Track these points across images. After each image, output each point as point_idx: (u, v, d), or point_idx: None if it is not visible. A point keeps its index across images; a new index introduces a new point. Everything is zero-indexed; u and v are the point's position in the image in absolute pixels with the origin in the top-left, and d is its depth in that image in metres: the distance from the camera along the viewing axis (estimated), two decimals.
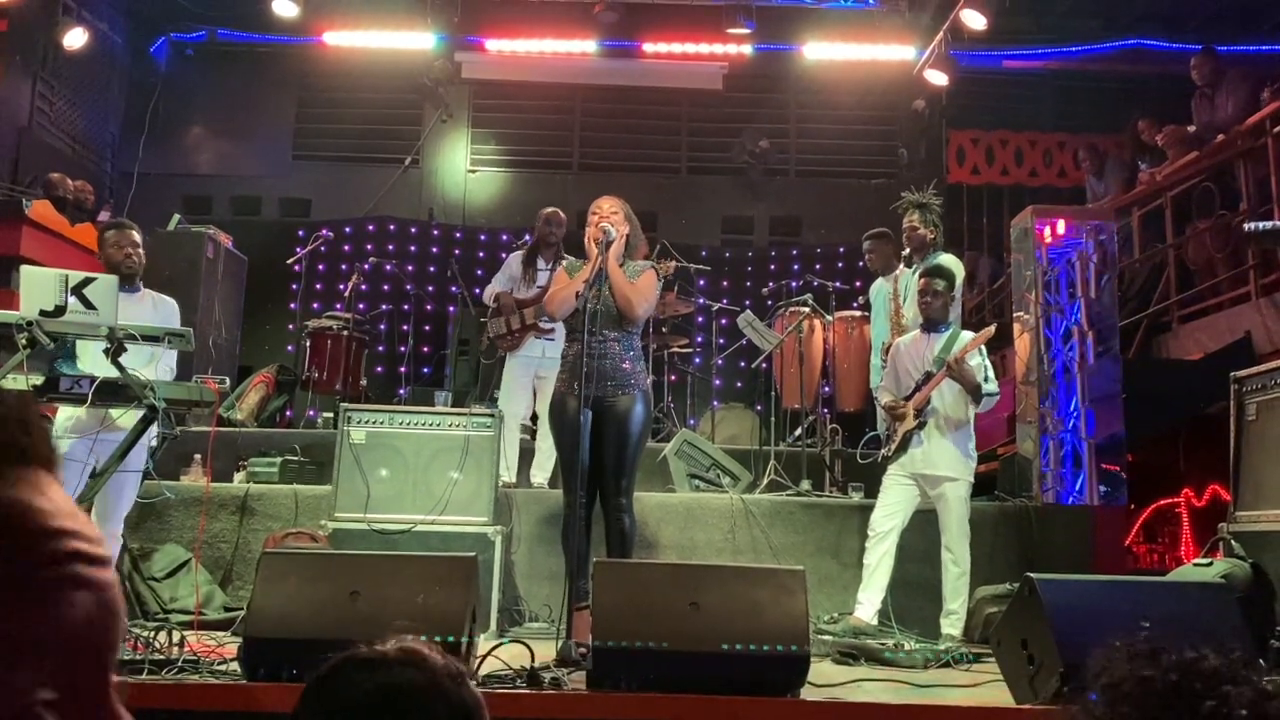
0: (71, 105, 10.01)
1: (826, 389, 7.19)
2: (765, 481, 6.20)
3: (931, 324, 5.16)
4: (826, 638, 4.67)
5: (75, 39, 9.41)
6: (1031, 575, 3.35)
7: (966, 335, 5.08)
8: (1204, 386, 6.13)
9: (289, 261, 8.36)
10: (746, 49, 10.60)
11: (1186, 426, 7.14)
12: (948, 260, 5.73)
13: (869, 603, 4.89)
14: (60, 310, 3.69)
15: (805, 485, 6.15)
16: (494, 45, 10.77)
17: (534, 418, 6.44)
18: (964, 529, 4.93)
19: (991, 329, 5.16)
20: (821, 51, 10.45)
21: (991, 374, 5.04)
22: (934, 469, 4.98)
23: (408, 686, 0.99)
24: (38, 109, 9.51)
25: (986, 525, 5.48)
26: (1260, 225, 5.99)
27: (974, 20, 8.81)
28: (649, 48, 10.76)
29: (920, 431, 5.01)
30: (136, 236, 4.81)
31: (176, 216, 7.83)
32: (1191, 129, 8.00)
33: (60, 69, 9.75)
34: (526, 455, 6.22)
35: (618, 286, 4.33)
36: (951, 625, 4.86)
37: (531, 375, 6.27)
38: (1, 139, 8.91)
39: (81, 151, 10.16)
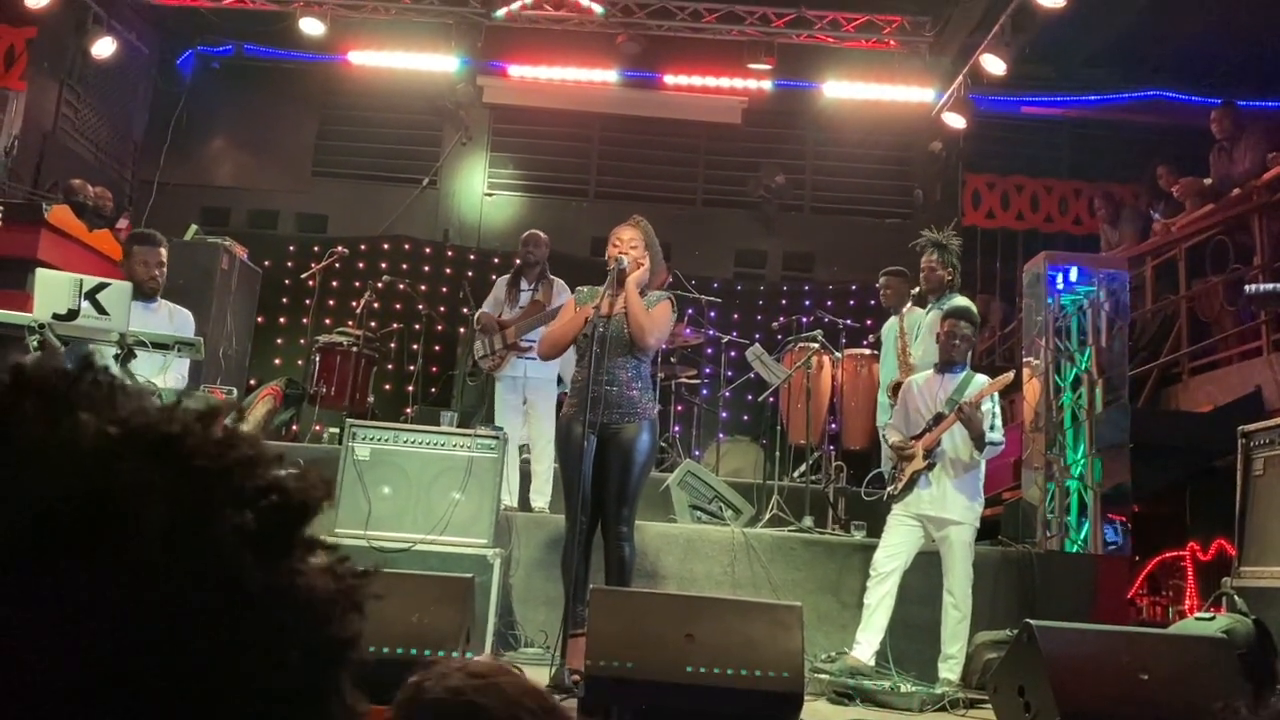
0: (96, 113, 10.12)
1: (833, 426, 7.17)
2: (768, 516, 6.17)
3: (947, 365, 5.14)
4: (823, 676, 4.63)
5: (104, 48, 9.53)
6: (1031, 622, 3.33)
7: (981, 379, 5.05)
8: (1212, 439, 6.10)
9: (303, 276, 8.41)
10: (766, 85, 10.68)
11: (1193, 479, 7.09)
12: (964, 303, 5.73)
13: (867, 643, 4.85)
14: (73, 314, 3.72)
15: (808, 521, 6.12)
16: (516, 71, 10.86)
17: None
18: (967, 573, 4.89)
19: (1009, 375, 5.14)
20: (840, 90, 10.51)
21: (999, 422, 5.01)
22: (940, 511, 4.95)
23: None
24: (63, 115, 9.62)
25: (989, 570, 5.44)
26: (1260, 287, 5.98)
27: (994, 65, 8.86)
28: (669, 80, 10.85)
29: (928, 473, 4.98)
30: (163, 254, 4.85)
31: (194, 226, 7.89)
32: (1208, 181, 8.01)
33: (87, 77, 9.87)
34: (525, 478, 6.23)
35: (634, 315, 4.33)
36: (949, 669, 4.82)
37: (520, 396, 6.31)
38: (26, 143, 9.00)
39: (103, 158, 10.26)
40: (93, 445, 0.58)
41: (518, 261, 6.68)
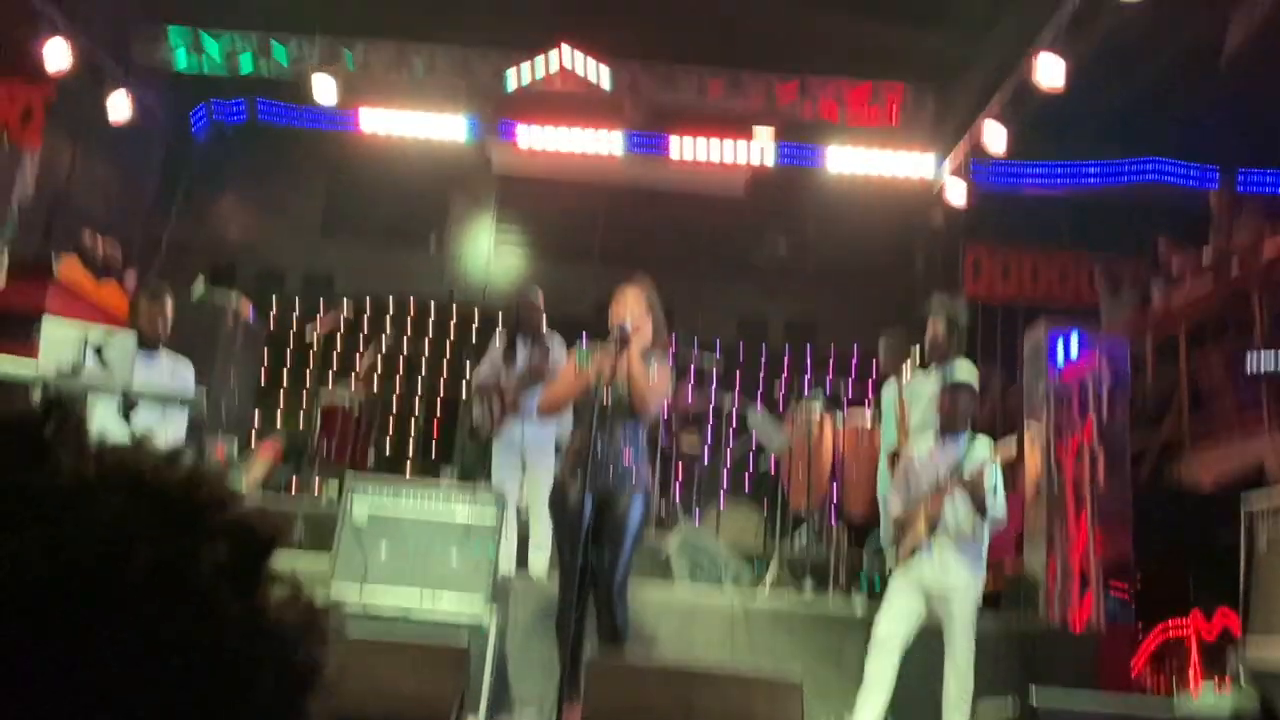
0: (109, 170, 10.26)
1: (835, 492, 7.14)
2: (768, 582, 6.12)
3: (950, 432, 5.11)
4: None
5: (119, 108, 9.69)
6: (1033, 693, 3.29)
7: (983, 445, 5.00)
8: (1215, 512, 6.07)
9: (308, 334, 8.45)
10: (769, 156, 10.83)
11: (1197, 553, 7.04)
12: (966, 368, 5.73)
13: (868, 715, 4.77)
14: (77, 368, 3.74)
15: (808, 589, 6.07)
16: (524, 136, 11.03)
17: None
18: (969, 644, 4.83)
19: (1012, 450, 5.11)
20: (842, 160, 10.66)
21: (1001, 492, 4.95)
22: (942, 581, 4.90)
23: None
24: (77, 173, 9.75)
25: (991, 641, 5.37)
26: (1261, 364, 6.00)
27: (994, 141, 8.99)
28: (675, 148, 11.01)
29: (930, 543, 4.94)
30: (169, 306, 4.90)
31: (201, 279, 7.95)
32: (1207, 256, 8.07)
33: (102, 135, 10.02)
34: (523, 541, 6.18)
35: (636, 384, 4.30)
36: None
37: (517, 458, 6.27)
38: (39, 199, 9.11)
39: (114, 215, 10.36)
40: (72, 486, 0.60)
41: (513, 322, 6.68)
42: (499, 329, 6.69)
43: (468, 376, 8.75)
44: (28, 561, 0.57)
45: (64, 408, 0.64)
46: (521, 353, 6.37)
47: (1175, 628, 7.14)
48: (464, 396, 9.28)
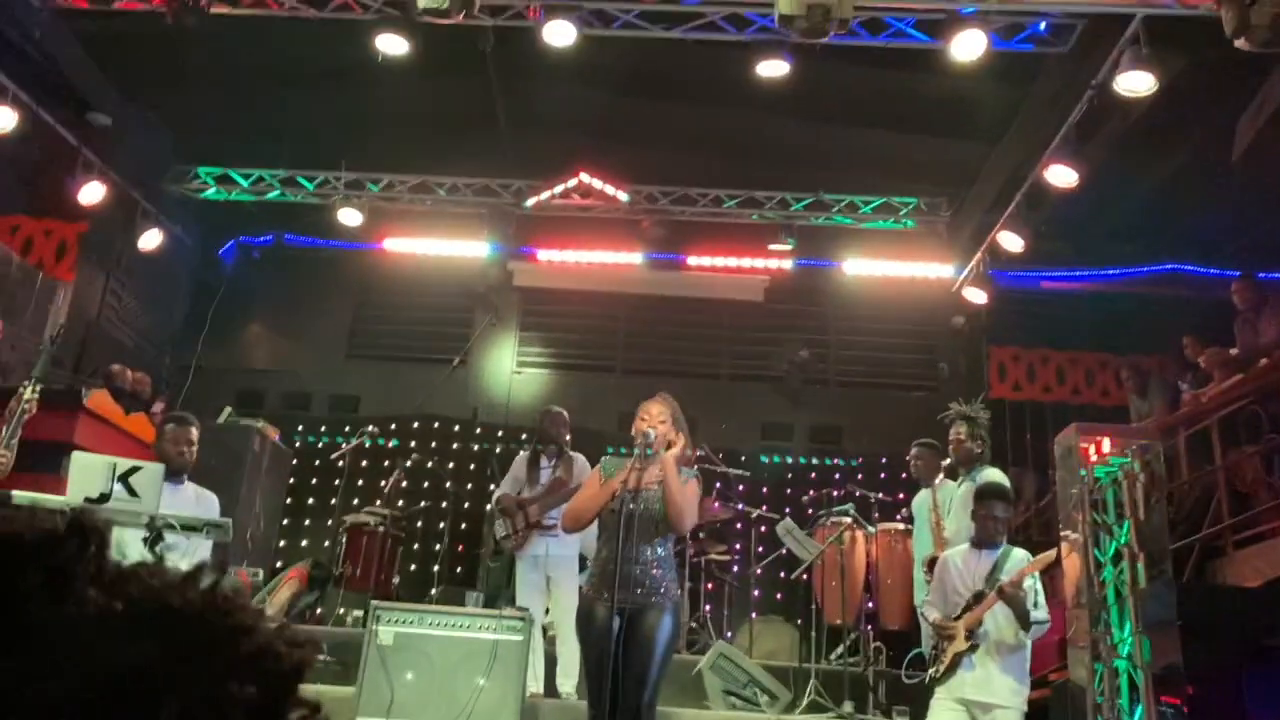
0: (139, 300, 10.48)
1: (870, 604, 6.98)
2: (805, 702, 5.94)
3: (988, 544, 5.01)
4: None
5: (150, 241, 9.98)
6: None
7: (1020, 554, 4.92)
8: (1265, 615, 5.88)
9: (333, 456, 8.47)
10: (787, 264, 10.96)
11: (1249, 657, 6.79)
12: (995, 475, 5.66)
13: None
14: (105, 497, 3.74)
15: (848, 707, 5.88)
16: (545, 255, 11.24)
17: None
18: None
19: (1052, 554, 5.01)
20: (861, 268, 10.77)
21: (1042, 599, 4.85)
22: (985, 695, 4.73)
23: None
24: (107, 303, 9.98)
25: None
26: None
27: (1011, 243, 9.06)
28: (693, 261, 11.19)
29: (971, 654, 4.79)
30: (194, 434, 4.94)
31: (228, 409, 8.03)
32: (1234, 352, 8.02)
33: (132, 267, 10.28)
34: (550, 660, 6.06)
35: (672, 496, 4.21)
36: None
37: (542, 575, 6.20)
38: (70, 331, 9.28)
39: (143, 344, 10.56)
40: (99, 622, 0.57)
41: (537, 439, 6.69)
42: (523, 451, 6.69)
43: (491, 495, 8.71)
44: (55, 707, 0.54)
45: (85, 530, 0.63)
46: (545, 468, 6.37)
47: None
48: (487, 514, 9.22)
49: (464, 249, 10.87)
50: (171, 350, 11.14)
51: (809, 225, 10.51)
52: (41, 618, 0.57)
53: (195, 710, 0.57)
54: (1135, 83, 6.95)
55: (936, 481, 6.30)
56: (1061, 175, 8.11)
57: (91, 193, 9.13)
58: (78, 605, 0.58)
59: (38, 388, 4.42)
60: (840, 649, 6.60)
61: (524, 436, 10.64)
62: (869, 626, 6.77)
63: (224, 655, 0.60)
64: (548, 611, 6.35)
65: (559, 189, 10.35)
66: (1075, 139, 7.89)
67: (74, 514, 0.64)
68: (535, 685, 5.64)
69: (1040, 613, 4.74)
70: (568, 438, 6.52)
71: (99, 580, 0.60)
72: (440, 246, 10.97)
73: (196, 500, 4.84)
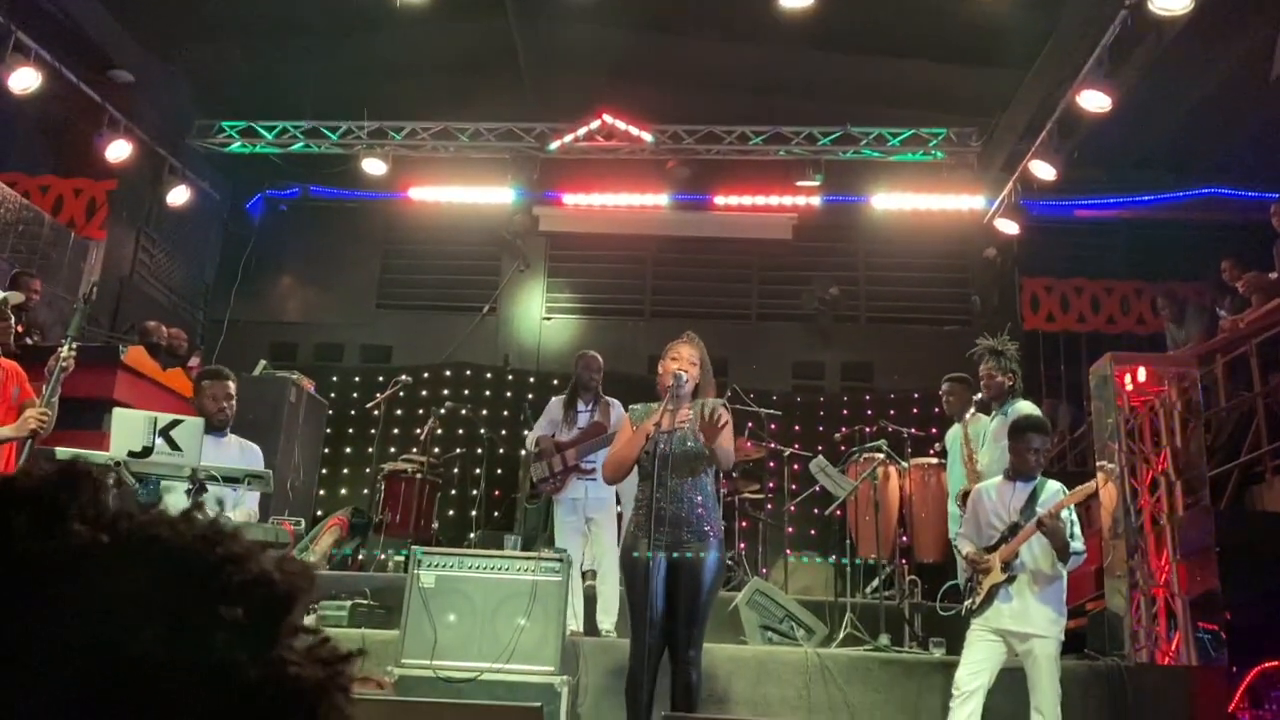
0: (170, 257, 10.57)
1: (904, 538, 7.01)
2: (841, 635, 5.99)
3: (1024, 476, 4.98)
4: None
5: (178, 197, 10.04)
6: None
7: (1055, 486, 4.89)
8: None
9: (368, 406, 8.56)
10: (815, 200, 10.84)
11: None
12: (1027, 408, 5.62)
13: None
14: (147, 451, 3.81)
15: (884, 640, 5.93)
16: (570, 199, 11.19)
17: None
18: (1055, 689, 4.67)
19: (1091, 486, 4.98)
20: (890, 202, 10.63)
21: (1079, 530, 4.83)
22: (1023, 626, 4.75)
23: None
24: (139, 260, 10.07)
25: (1077, 685, 5.20)
26: None
27: (1043, 171, 8.91)
28: (720, 200, 11.08)
29: (1008, 586, 4.81)
30: (232, 388, 4.99)
31: (263, 362, 8.11)
32: (1274, 275, 7.88)
33: (162, 224, 10.36)
34: (590, 601, 6.14)
35: (710, 430, 4.19)
36: None
37: (580, 517, 6.25)
38: (104, 288, 9.40)
39: (177, 300, 10.67)
40: (85, 554, 0.59)
41: (573, 383, 6.71)
42: (556, 395, 6.74)
43: (526, 440, 8.78)
44: (38, 633, 0.56)
45: (79, 475, 0.64)
46: (583, 412, 6.40)
47: (1273, 666, 6.85)
48: (522, 459, 9.31)
49: (489, 195, 10.84)
50: (205, 305, 11.25)
51: (837, 160, 10.37)
52: (26, 551, 0.59)
53: (180, 633, 0.58)
54: (1171, 0, 6.76)
55: (968, 415, 6.28)
56: (1094, 100, 7.94)
57: (118, 150, 9.17)
58: (63, 539, 0.60)
59: (74, 345, 4.48)
60: (875, 583, 6.65)
61: (555, 383, 10.71)
62: (903, 560, 6.80)
63: (211, 581, 0.61)
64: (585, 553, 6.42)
65: (582, 131, 10.26)
66: (1108, 62, 7.70)
67: (66, 462, 0.66)
68: (575, 624, 5.73)
69: (1078, 544, 4.74)
70: (601, 381, 6.56)
71: (87, 518, 0.61)
72: (465, 194, 10.94)
73: (240, 452, 4.91)
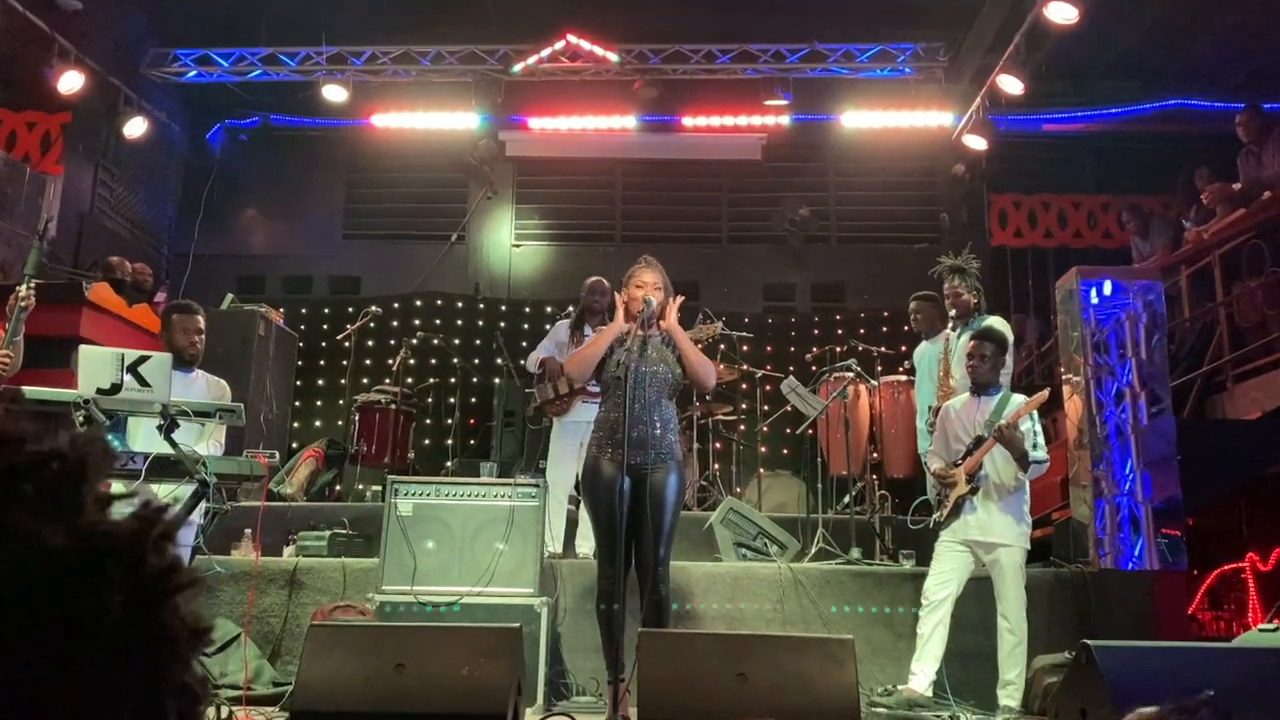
0: (130, 191, 10.37)
1: (874, 454, 7.11)
2: (814, 550, 6.12)
3: (981, 387, 5.09)
4: (880, 710, 4.56)
5: (135, 128, 9.81)
6: (1089, 643, 3.26)
7: (1018, 399, 5.00)
8: (1263, 446, 5.99)
9: (339, 337, 8.53)
10: (784, 120, 10.75)
11: (1247, 488, 6.95)
12: (997, 323, 5.69)
13: (923, 673, 4.77)
14: (116, 388, 3.78)
15: (855, 553, 6.06)
16: (536, 123, 11.03)
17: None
18: (1020, 596, 4.81)
19: (1045, 394, 5.09)
20: (859, 120, 10.56)
21: (1041, 440, 4.94)
22: (988, 535, 4.88)
23: None
24: (99, 195, 9.88)
25: (1043, 592, 5.36)
26: None
27: (1011, 85, 8.86)
28: (688, 121, 10.96)
29: (973, 497, 4.92)
30: (201, 322, 4.95)
31: (230, 296, 8.04)
32: (1237, 186, 7.93)
33: (121, 157, 10.13)
34: (572, 525, 6.21)
35: (689, 360, 4.39)
36: (1009, 696, 4.72)
37: (579, 442, 6.27)
38: (64, 224, 9.23)
39: (139, 235, 10.49)
40: None
41: (579, 308, 6.67)
42: (563, 319, 6.71)
43: (502, 362, 8.78)
44: None
45: None
46: (590, 338, 6.35)
47: (1232, 568, 7.07)
48: (496, 386, 9.33)
49: (454, 121, 10.66)
50: (169, 240, 11.08)
51: (805, 78, 10.26)
52: None
53: None
54: None
55: (942, 334, 6.33)
56: (1061, 11, 7.87)
57: (70, 81, 8.93)
58: None
59: (32, 283, 4.41)
60: (847, 499, 6.77)
61: (527, 310, 10.69)
62: (874, 476, 6.92)
63: (5, 457, 0.64)
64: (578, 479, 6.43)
65: (546, 52, 10.08)
66: None
67: None
68: (553, 546, 5.81)
69: (1039, 453, 4.85)
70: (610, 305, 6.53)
71: None
72: (429, 120, 10.75)
73: (207, 387, 4.89)
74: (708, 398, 7.81)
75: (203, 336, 4.94)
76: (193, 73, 10.39)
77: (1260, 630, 4.27)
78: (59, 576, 0.61)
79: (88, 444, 0.67)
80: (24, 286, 4.38)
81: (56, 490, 0.64)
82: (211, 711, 3.65)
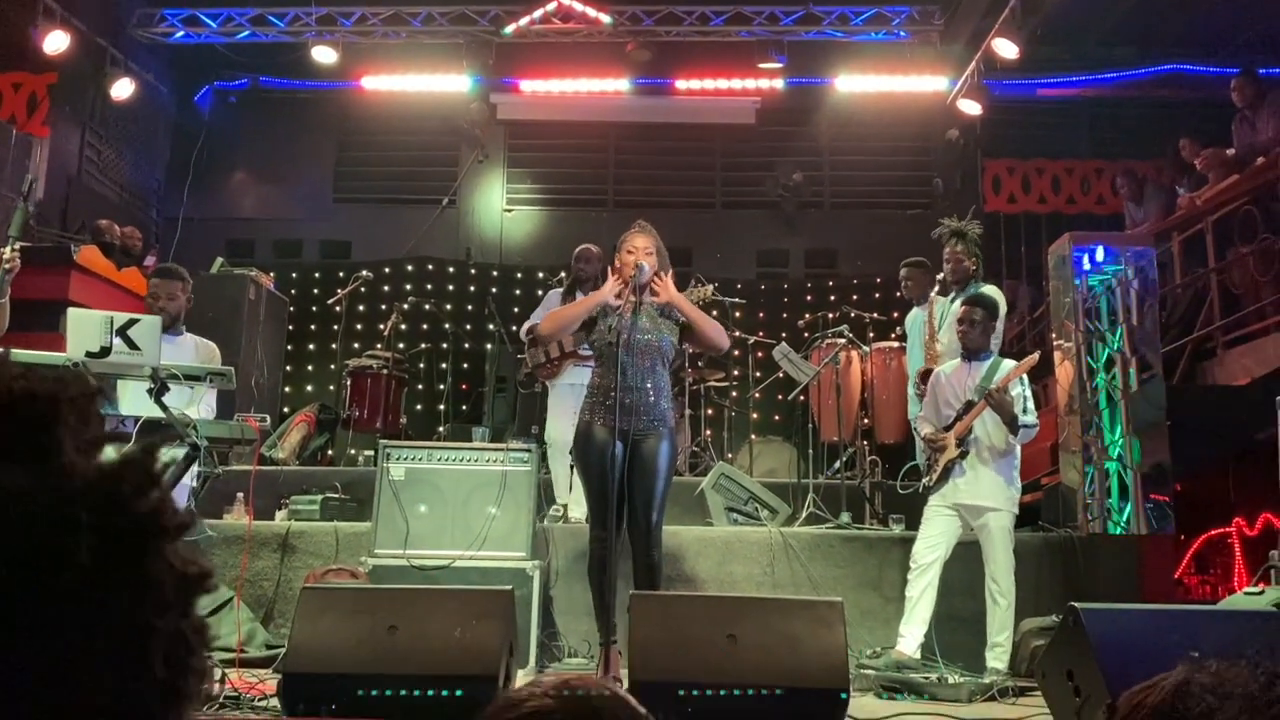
0: (119, 154, 10.27)
1: (865, 420, 7.13)
2: (804, 514, 6.15)
3: (972, 352, 5.11)
4: (869, 672, 4.61)
5: (123, 90, 9.69)
6: (1076, 605, 3.29)
7: (1008, 364, 5.01)
8: (1252, 412, 6.01)
9: (330, 302, 8.49)
10: (779, 83, 10.67)
11: (1235, 454, 6.99)
12: (990, 290, 5.68)
13: (912, 636, 4.81)
14: (105, 351, 3.76)
15: (845, 518, 6.09)
16: (528, 86, 10.93)
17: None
18: (1008, 560, 4.85)
19: (1034, 357, 5.10)
20: (853, 84, 10.48)
21: (1031, 405, 4.95)
22: (977, 499, 4.91)
23: None
24: (87, 158, 9.78)
25: (1031, 556, 5.40)
26: None
27: (1006, 49, 8.79)
28: (682, 84, 10.87)
29: (962, 461, 4.94)
30: (176, 287, 4.92)
31: (220, 260, 7.98)
32: (1231, 152, 7.90)
33: (108, 119, 10.02)
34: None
35: (700, 325, 4.41)
36: (996, 658, 4.77)
37: (576, 403, 6.28)
38: (52, 187, 9.14)
39: (128, 198, 10.41)
40: None
41: (574, 277, 6.66)
42: (554, 288, 6.69)
43: (494, 328, 8.76)
44: None
45: None
46: None
47: (1218, 533, 7.13)
48: (488, 352, 9.31)
49: (445, 83, 10.55)
50: (158, 203, 11.00)
51: (800, 41, 10.17)
52: None
53: None
54: None
55: (933, 296, 6.32)
56: None
57: (56, 41, 8.81)
58: None
59: (16, 245, 4.37)
60: (837, 464, 6.79)
61: (519, 275, 10.65)
62: (864, 442, 6.95)
63: None
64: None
65: (538, 13, 9.97)
66: None
67: None
68: (563, 498, 5.91)
69: (1029, 417, 4.87)
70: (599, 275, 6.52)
71: None
72: (420, 82, 10.64)
73: (196, 350, 4.88)
74: (699, 363, 7.82)
75: (180, 299, 4.91)
76: (180, 33, 10.26)
77: (1246, 594, 4.31)
78: (22, 522, 0.59)
79: (64, 384, 0.65)
80: (8, 248, 4.34)
81: (25, 432, 0.62)
82: None
